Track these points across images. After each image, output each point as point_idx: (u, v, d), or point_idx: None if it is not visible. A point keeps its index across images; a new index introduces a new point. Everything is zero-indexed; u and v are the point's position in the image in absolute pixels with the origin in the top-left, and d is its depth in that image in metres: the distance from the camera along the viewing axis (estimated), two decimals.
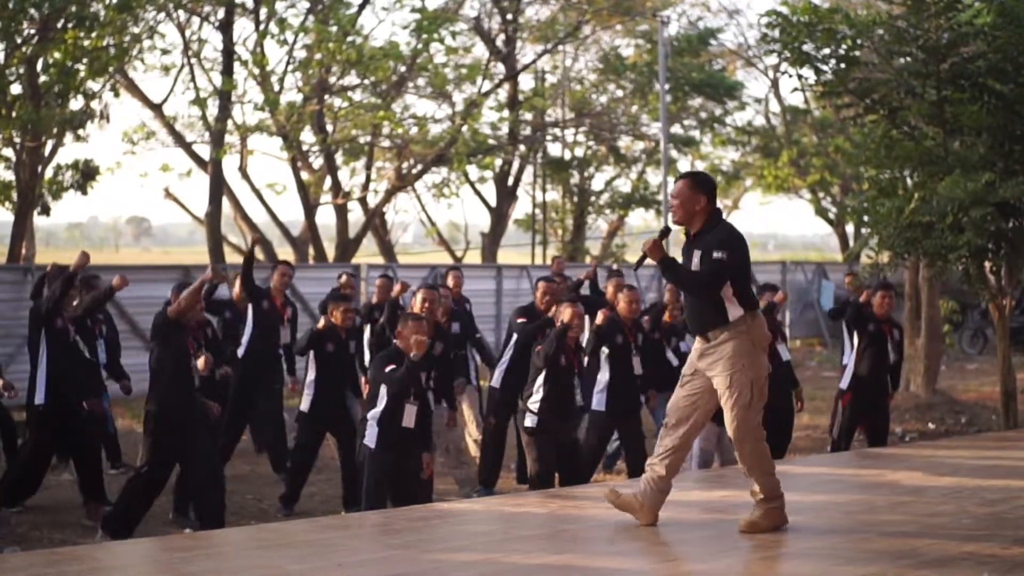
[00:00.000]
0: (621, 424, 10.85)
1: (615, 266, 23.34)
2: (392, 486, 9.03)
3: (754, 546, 7.16)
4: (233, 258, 24.89)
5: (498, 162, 29.11)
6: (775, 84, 34.77)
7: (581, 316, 10.52)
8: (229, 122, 23.07)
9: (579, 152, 33.48)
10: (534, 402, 10.16)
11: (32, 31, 17.48)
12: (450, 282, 13.61)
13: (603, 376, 10.70)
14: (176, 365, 9.37)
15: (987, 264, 13.39)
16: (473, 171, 29.54)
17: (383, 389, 8.95)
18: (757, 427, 7.28)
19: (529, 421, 10.18)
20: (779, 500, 7.41)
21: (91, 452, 10.59)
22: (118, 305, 16.47)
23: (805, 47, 13.32)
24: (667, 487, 7.48)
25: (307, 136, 24.53)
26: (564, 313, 10.24)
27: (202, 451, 9.46)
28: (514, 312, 12.25)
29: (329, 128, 24.19)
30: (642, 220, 40.05)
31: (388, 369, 8.91)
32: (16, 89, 17.64)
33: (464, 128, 25.00)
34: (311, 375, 11.08)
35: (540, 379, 10.15)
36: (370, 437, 9.06)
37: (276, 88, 23.37)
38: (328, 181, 25.93)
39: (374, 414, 9.00)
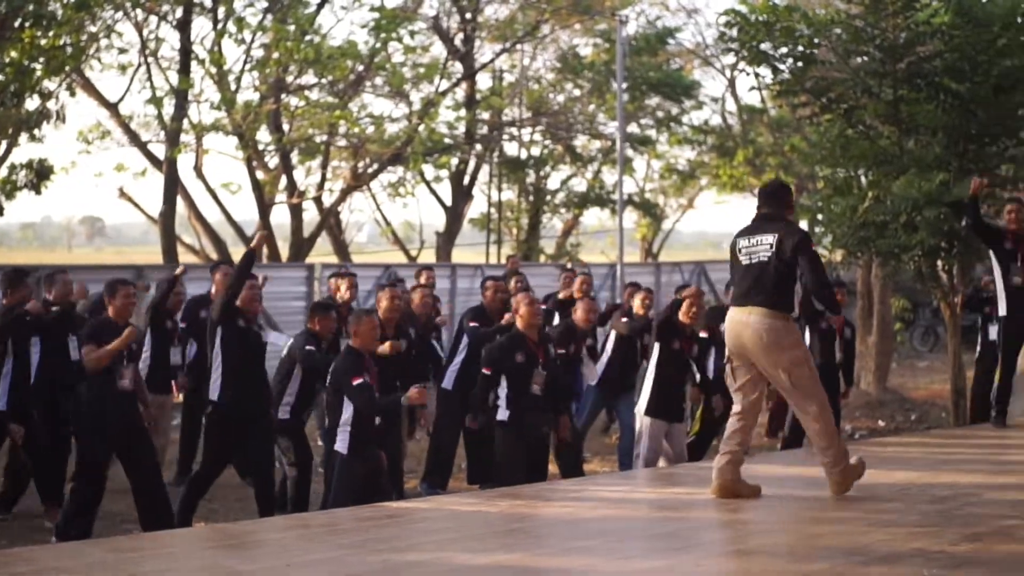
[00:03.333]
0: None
1: (569, 265, 23.30)
2: (363, 489, 8.94)
3: (705, 543, 7.18)
4: (186, 257, 24.71)
5: (454, 161, 29.06)
6: (732, 83, 35.02)
7: (538, 311, 10.43)
8: (185, 121, 22.92)
9: (535, 151, 33.47)
10: (504, 397, 10.13)
11: None
12: (422, 280, 13.44)
13: None
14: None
15: (939, 263, 13.47)
16: (429, 170, 29.47)
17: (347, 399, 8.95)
18: None
19: (501, 415, 10.14)
20: None
21: (44, 454, 10.45)
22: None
23: (763, 46, 13.35)
24: None
25: (263, 135, 24.41)
26: (520, 306, 10.21)
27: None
28: (465, 314, 12.15)
29: (285, 127, 24.07)
30: (597, 219, 40.08)
31: (356, 383, 8.88)
32: None
33: (421, 127, 24.93)
34: (294, 385, 10.80)
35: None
36: (341, 443, 9.00)
37: (233, 87, 23.23)
38: (283, 180, 25.80)
39: (344, 421, 8.95)
